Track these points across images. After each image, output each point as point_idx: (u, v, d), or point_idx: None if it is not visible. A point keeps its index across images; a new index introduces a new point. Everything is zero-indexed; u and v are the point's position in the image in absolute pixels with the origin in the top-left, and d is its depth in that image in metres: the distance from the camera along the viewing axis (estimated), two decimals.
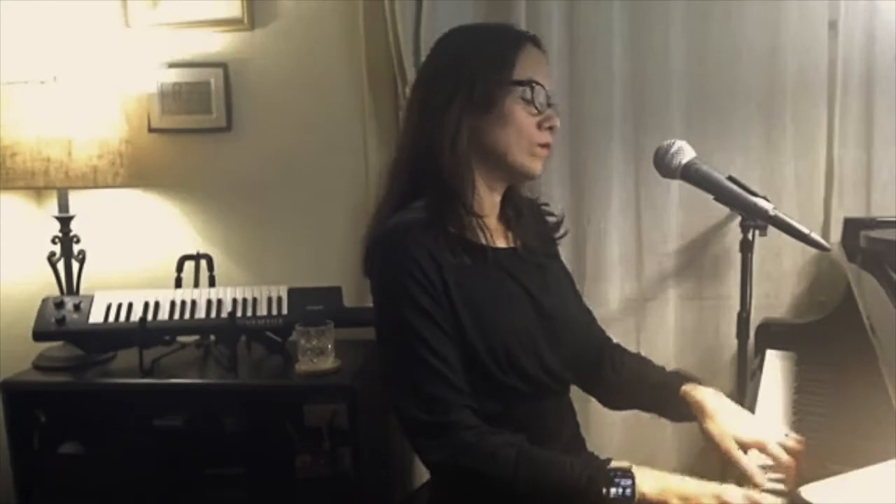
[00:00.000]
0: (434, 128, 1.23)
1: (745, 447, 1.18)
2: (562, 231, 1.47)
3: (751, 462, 1.16)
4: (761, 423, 1.27)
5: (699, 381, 1.32)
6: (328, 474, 2.09)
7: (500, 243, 1.31)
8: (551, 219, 1.46)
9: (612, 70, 2.07)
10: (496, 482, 1.14)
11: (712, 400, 1.26)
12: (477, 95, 1.22)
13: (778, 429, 1.27)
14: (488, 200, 1.31)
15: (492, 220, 1.32)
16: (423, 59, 2.05)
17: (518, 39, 1.28)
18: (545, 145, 1.28)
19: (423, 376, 1.16)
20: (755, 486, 1.12)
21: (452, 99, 1.22)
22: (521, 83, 1.24)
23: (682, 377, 1.34)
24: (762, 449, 1.18)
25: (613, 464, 1.13)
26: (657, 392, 1.35)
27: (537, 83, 1.25)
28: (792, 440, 1.20)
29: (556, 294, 1.35)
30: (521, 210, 1.38)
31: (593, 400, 1.50)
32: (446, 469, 1.18)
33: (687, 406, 1.28)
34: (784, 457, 1.16)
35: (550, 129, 1.28)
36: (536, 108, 1.25)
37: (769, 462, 1.18)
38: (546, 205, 1.48)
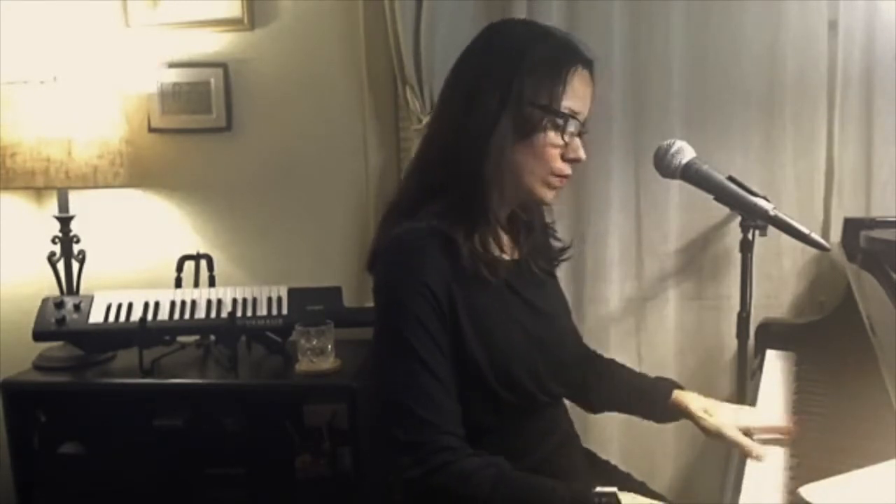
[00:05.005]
0: (478, 136, 1.18)
1: (746, 431, 1.28)
2: (566, 256, 1.43)
3: (754, 443, 1.25)
4: (750, 409, 1.41)
5: (681, 387, 1.40)
6: (328, 474, 2.10)
7: (506, 255, 1.28)
8: (557, 243, 1.42)
9: (612, 70, 2.06)
10: (470, 502, 1.11)
11: (702, 400, 1.36)
12: (523, 118, 1.18)
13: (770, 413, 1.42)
14: (501, 211, 1.27)
15: (501, 230, 1.29)
16: (423, 59, 2.09)
17: (575, 63, 1.21)
18: (563, 176, 1.23)
19: (414, 396, 1.13)
20: (757, 460, 1.23)
21: (500, 114, 1.17)
22: (560, 115, 1.19)
23: (668, 382, 1.41)
24: (759, 426, 1.30)
25: (598, 489, 1.11)
26: (643, 396, 1.41)
27: (574, 115, 1.21)
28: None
29: (552, 310, 1.34)
30: (534, 226, 1.35)
31: None
32: (419, 487, 1.13)
33: (677, 409, 1.36)
34: (779, 423, 1.33)
35: (573, 160, 1.23)
36: (564, 138, 1.21)
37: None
38: (554, 230, 1.43)
